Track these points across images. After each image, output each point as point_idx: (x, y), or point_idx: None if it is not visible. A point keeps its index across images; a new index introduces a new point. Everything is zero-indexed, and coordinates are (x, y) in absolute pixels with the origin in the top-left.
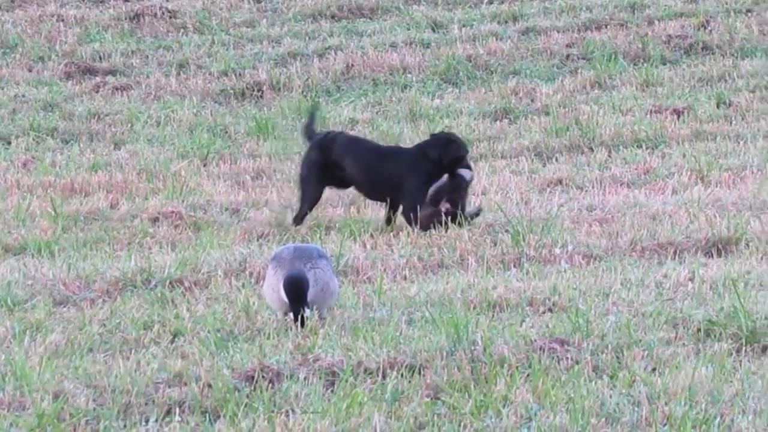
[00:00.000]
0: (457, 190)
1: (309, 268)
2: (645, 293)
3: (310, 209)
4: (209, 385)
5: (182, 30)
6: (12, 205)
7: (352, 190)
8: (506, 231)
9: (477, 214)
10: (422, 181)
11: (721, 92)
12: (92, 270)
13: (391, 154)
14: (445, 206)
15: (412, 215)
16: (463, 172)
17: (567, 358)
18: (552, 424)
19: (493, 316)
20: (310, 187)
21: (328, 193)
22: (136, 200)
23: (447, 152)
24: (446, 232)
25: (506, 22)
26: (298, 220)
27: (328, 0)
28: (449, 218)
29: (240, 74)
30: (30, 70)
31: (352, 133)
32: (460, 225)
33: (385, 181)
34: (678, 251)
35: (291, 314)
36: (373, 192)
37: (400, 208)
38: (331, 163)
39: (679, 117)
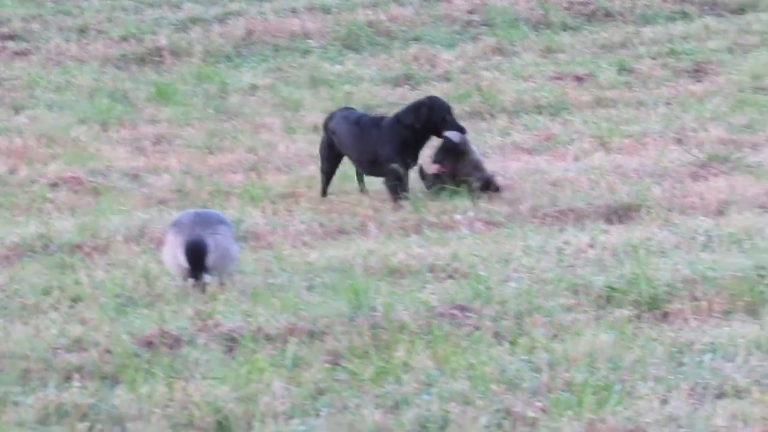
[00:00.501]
0: (448, 153)
1: (209, 233)
2: (546, 260)
3: (328, 182)
4: (109, 351)
5: None
6: None
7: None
8: (406, 197)
9: (486, 186)
10: (394, 148)
11: (622, 59)
12: None
13: (370, 124)
14: (434, 167)
15: (390, 185)
16: (450, 134)
17: (467, 324)
18: (452, 390)
19: (393, 282)
20: (323, 163)
21: (230, 157)
22: (36, 165)
23: (418, 116)
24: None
25: None
26: (322, 192)
27: None
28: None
29: (140, 39)
30: None
31: (351, 109)
32: (461, 190)
33: (367, 151)
34: (579, 218)
35: (191, 280)
36: (363, 165)
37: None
38: (332, 141)
39: (580, 84)
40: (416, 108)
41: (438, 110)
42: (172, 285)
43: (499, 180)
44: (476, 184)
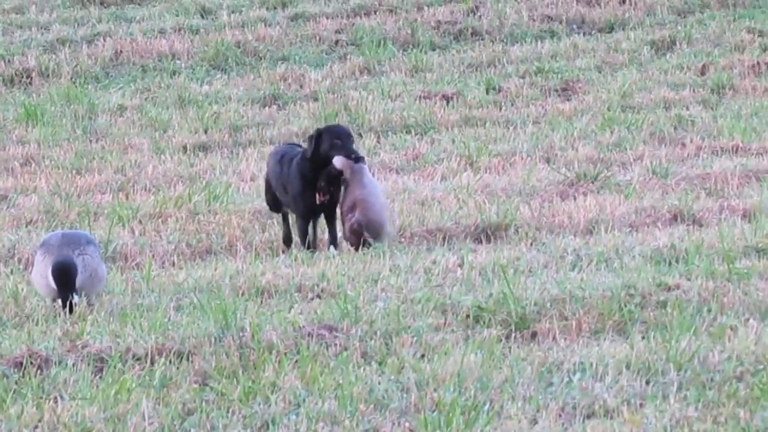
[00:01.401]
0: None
1: (77, 254)
2: (414, 279)
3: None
4: None
5: None
6: None
7: None
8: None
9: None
10: (301, 180)
11: (490, 78)
12: None
13: (284, 155)
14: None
15: (298, 223)
16: (336, 160)
17: (336, 344)
18: (320, 410)
19: (261, 302)
20: (269, 203)
21: (98, 178)
22: None
23: (310, 145)
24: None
25: (275, 8)
26: (283, 240)
27: None
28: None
29: (9, 61)
30: None
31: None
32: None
33: (284, 188)
34: (447, 237)
35: (59, 300)
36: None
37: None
38: (271, 181)
39: (448, 103)
40: (310, 137)
41: (328, 135)
42: (41, 305)
43: (367, 235)
44: (348, 225)
